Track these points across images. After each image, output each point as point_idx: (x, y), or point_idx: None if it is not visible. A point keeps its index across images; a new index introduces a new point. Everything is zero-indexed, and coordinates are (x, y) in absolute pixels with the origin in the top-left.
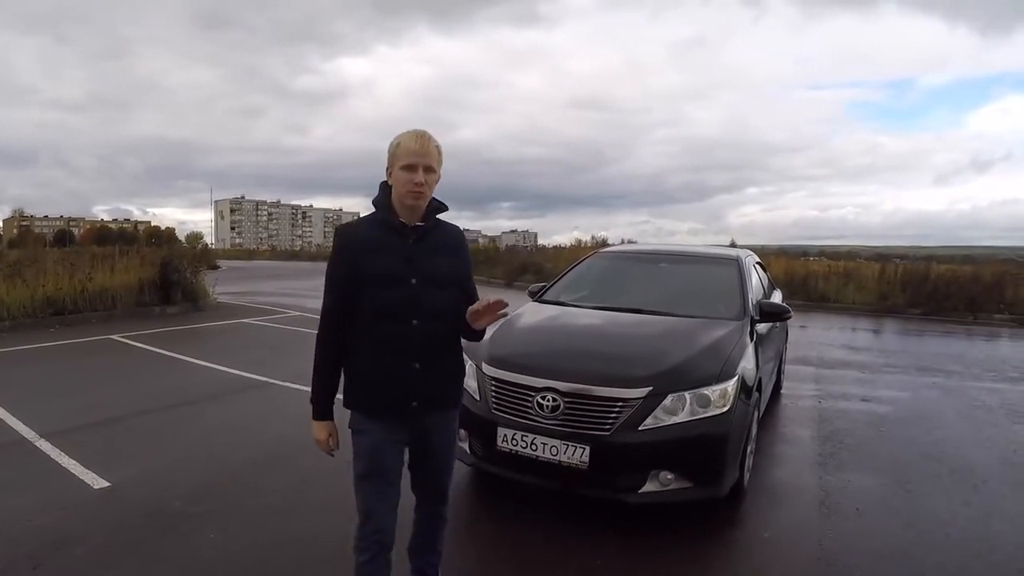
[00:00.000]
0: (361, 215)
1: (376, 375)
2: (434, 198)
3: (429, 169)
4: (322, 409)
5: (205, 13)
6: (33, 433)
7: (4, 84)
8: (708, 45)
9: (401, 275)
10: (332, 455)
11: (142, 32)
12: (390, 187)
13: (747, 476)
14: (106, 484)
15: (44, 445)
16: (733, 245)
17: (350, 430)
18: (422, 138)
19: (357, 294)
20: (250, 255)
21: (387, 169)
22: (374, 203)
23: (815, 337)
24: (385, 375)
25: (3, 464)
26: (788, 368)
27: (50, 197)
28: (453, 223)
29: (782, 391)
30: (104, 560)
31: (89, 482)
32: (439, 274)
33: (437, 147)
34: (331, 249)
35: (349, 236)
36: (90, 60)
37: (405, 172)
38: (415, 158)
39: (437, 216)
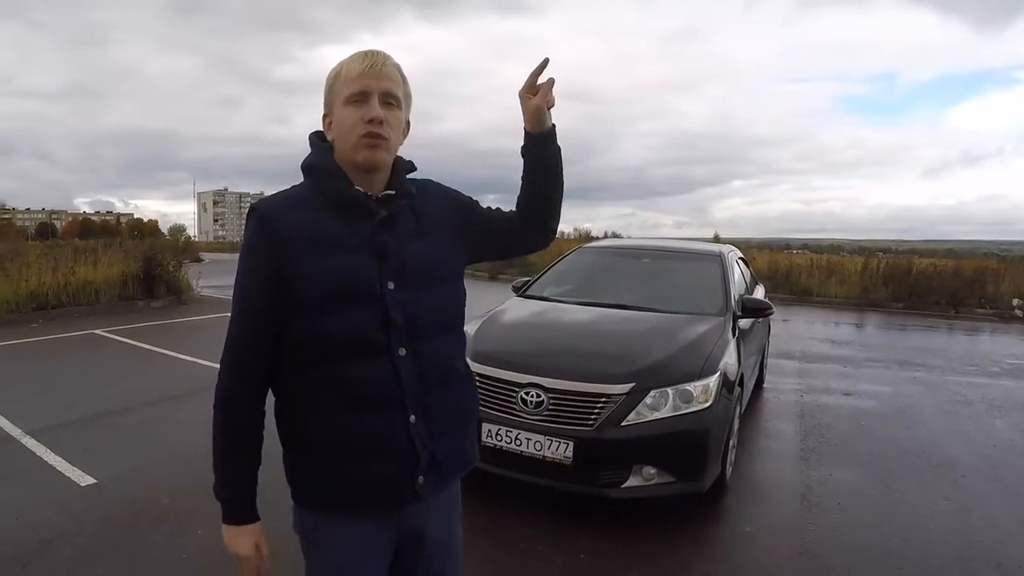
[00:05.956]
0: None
1: (350, 447)
2: (400, 156)
3: (389, 99)
4: (239, 504)
5: None
6: (19, 430)
7: None
8: (696, 36)
9: (369, 280)
10: None
11: (117, 17)
12: (330, 143)
13: (729, 471)
14: (92, 481)
15: (30, 442)
16: (717, 238)
17: (300, 536)
18: (373, 55)
19: (287, 320)
20: (233, 248)
21: (324, 116)
22: (306, 168)
23: (798, 331)
24: (367, 446)
25: None
26: (771, 362)
27: (31, 189)
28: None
29: (765, 385)
30: (92, 558)
31: (76, 479)
32: (427, 266)
33: (399, 68)
34: (242, 245)
35: (276, 223)
36: (65, 47)
37: (351, 107)
38: (366, 81)
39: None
